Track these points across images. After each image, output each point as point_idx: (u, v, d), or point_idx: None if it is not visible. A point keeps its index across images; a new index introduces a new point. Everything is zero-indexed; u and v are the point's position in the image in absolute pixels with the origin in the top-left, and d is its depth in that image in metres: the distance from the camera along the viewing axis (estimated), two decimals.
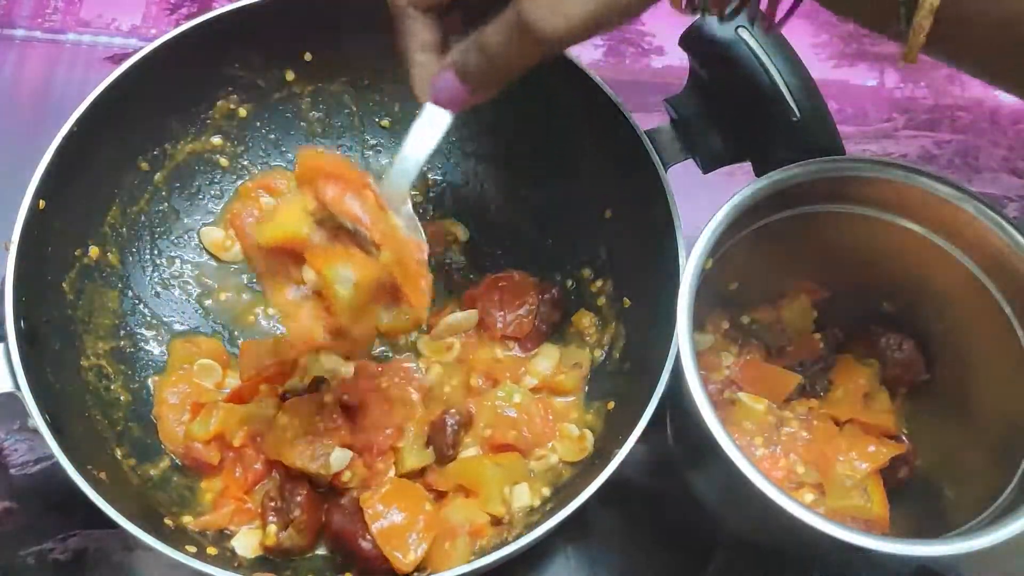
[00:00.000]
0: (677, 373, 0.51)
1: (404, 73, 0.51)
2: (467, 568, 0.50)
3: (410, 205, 0.52)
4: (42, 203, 0.56)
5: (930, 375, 0.61)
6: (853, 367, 0.62)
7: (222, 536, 0.57)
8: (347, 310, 0.49)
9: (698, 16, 0.46)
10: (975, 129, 0.80)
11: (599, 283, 0.66)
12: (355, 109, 0.70)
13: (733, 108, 0.58)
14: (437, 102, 0.50)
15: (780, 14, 0.48)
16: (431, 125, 0.51)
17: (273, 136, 0.70)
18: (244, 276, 0.68)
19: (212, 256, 0.68)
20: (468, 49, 0.48)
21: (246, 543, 0.57)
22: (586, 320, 0.65)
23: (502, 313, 0.64)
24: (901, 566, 0.61)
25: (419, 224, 0.52)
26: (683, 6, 0.46)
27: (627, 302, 0.63)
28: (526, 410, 0.60)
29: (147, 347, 0.64)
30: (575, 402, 0.63)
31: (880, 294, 0.61)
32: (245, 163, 0.70)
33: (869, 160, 0.54)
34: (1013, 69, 0.44)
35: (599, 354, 0.64)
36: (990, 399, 0.57)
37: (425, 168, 0.72)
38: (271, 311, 0.67)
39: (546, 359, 0.64)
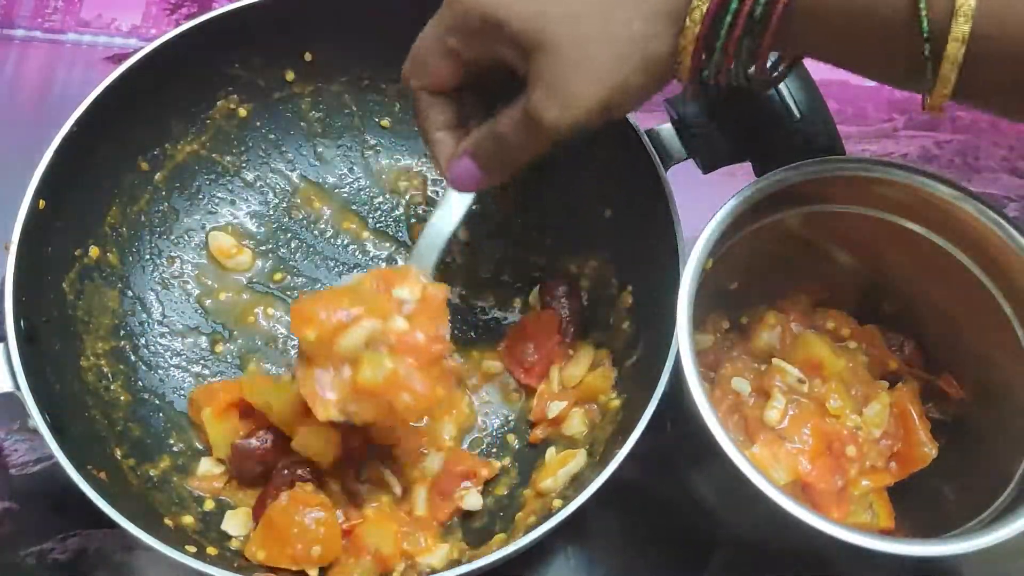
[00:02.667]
0: (677, 373, 0.51)
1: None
2: (467, 568, 0.50)
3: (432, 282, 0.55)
4: (42, 203, 0.56)
5: (931, 377, 0.61)
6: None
7: (222, 536, 0.57)
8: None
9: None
10: (975, 129, 0.80)
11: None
12: (355, 109, 0.70)
13: (733, 108, 0.58)
14: (455, 185, 0.53)
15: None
16: (451, 207, 0.55)
17: (273, 136, 0.70)
18: (244, 276, 0.68)
19: (215, 261, 0.68)
20: (483, 136, 0.51)
21: (236, 522, 0.57)
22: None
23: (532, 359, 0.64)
24: (901, 566, 0.61)
25: (444, 308, 0.54)
26: (689, 79, 0.46)
27: (628, 301, 0.63)
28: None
29: (147, 347, 0.64)
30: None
31: (880, 294, 0.61)
32: (245, 163, 0.70)
33: (869, 160, 0.54)
34: None
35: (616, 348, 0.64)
36: (990, 400, 0.57)
37: (424, 169, 0.72)
38: (271, 311, 0.67)
39: (576, 365, 0.63)
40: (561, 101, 0.45)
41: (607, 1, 0.44)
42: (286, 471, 0.56)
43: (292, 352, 0.66)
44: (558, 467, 0.58)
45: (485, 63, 0.49)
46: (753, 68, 0.45)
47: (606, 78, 0.45)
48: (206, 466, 0.60)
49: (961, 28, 0.40)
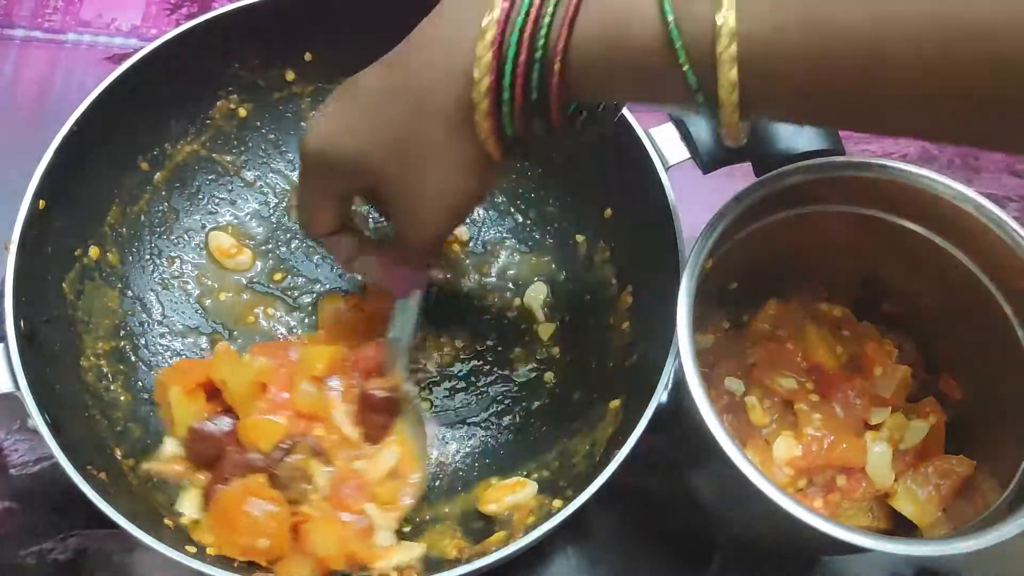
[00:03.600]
0: (677, 373, 0.51)
1: None
2: (467, 568, 0.50)
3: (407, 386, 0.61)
4: (42, 203, 0.56)
5: (932, 376, 0.61)
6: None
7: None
8: None
9: None
10: None
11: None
12: None
13: None
14: (396, 293, 0.60)
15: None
16: (407, 309, 0.60)
17: (273, 136, 0.70)
18: (244, 276, 0.68)
19: (215, 261, 0.68)
20: (380, 266, 0.57)
21: (190, 503, 0.57)
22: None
23: None
24: (901, 566, 0.61)
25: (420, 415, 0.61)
26: (496, 149, 0.46)
27: (628, 301, 0.63)
28: None
29: (147, 347, 0.64)
30: None
31: (880, 294, 0.61)
32: (245, 163, 0.70)
33: (869, 160, 0.54)
34: (825, 110, 0.41)
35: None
36: (990, 400, 0.57)
37: None
38: (271, 311, 0.67)
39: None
40: (415, 227, 0.50)
41: (409, 133, 0.45)
42: (238, 455, 0.57)
43: None
44: (505, 493, 0.59)
45: (355, 192, 0.54)
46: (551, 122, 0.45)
47: (440, 198, 0.48)
48: (169, 448, 0.59)
49: (726, 51, 0.37)
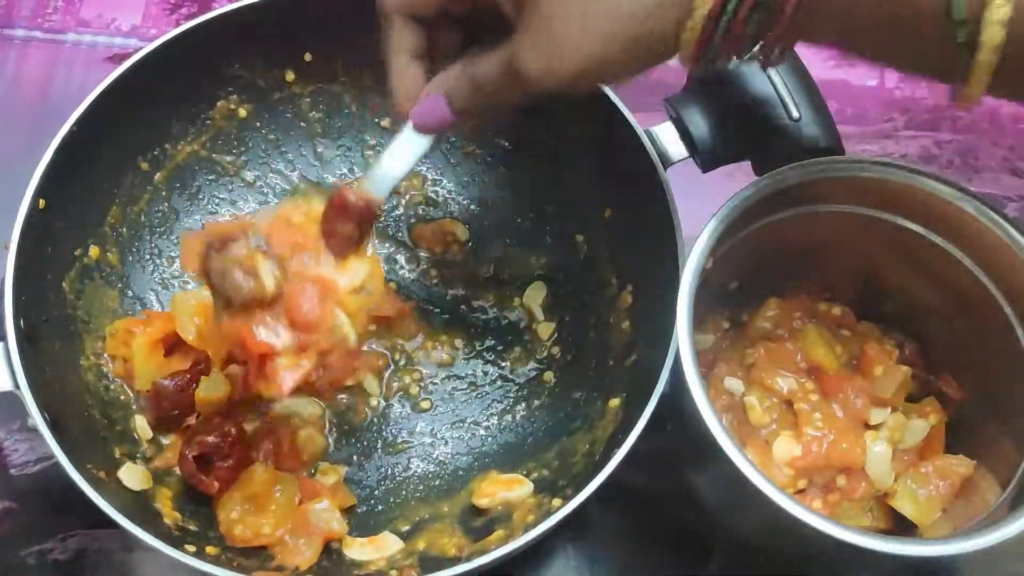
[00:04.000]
0: (677, 373, 0.51)
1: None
2: (467, 567, 0.50)
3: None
4: (42, 203, 0.56)
5: (931, 377, 0.61)
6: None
7: (222, 536, 0.57)
8: None
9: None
10: (975, 129, 0.80)
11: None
12: (355, 109, 0.70)
13: (733, 108, 0.58)
14: (419, 121, 0.50)
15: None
16: (412, 143, 0.51)
17: (273, 136, 0.70)
18: None
19: None
20: (459, 78, 0.47)
21: (131, 476, 0.57)
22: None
23: None
24: (901, 566, 0.61)
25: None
26: (691, 62, 0.43)
27: (628, 301, 0.63)
28: None
29: None
30: None
31: (880, 294, 0.61)
32: (245, 163, 0.70)
33: (869, 160, 0.54)
34: None
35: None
36: (990, 400, 0.57)
37: (424, 169, 0.72)
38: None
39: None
40: (550, 58, 0.42)
41: None
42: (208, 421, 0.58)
43: None
44: (499, 488, 0.59)
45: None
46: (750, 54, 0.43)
47: (602, 44, 0.42)
48: (142, 423, 0.60)
49: (999, 10, 0.36)
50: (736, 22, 0.40)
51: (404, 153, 0.52)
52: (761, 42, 0.42)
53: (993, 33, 0.37)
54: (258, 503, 0.57)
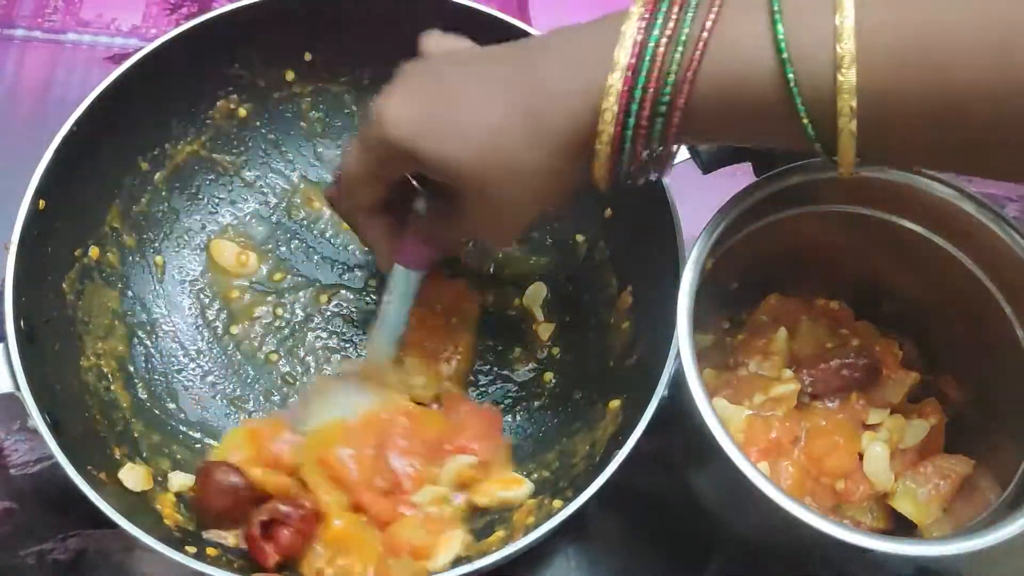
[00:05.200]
0: (677, 373, 0.51)
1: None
2: (467, 568, 0.50)
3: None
4: (42, 203, 0.56)
5: (931, 377, 0.61)
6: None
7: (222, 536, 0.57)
8: None
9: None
10: None
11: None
12: (355, 109, 0.70)
13: None
14: (408, 265, 0.57)
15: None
16: (406, 284, 0.58)
17: (273, 136, 0.70)
18: (245, 278, 0.68)
19: (215, 262, 0.68)
20: (429, 233, 0.55)
21: (131, 477, 0.57)
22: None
23: None
24: (901, 566, 0.61)
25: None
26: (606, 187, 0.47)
27: (628, 301, 0.63)
28: None
29: (146, 346, 0.64)
30: None
31: (880, 294, 0.61)
32: (245, 163, 0.70)
33: None
34: (939, 159, 0.44)
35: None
36: (990, 400, 0.57)
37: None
38: (271, 311, 0.67)
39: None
40: (492, 230, 0.52)
41: (509, 135, 0.45)
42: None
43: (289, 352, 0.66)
44: (498, 487, 0.59)
45: (412, 176, 0.54)
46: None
47: (527, 208, 0.49)
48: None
49: (847, 103, 0.39)
50: (639, 135, 0.44)
51: (399, 302, 0.58)
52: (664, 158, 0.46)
53: (845, 123, 0.40)
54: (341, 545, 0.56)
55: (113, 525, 0.49)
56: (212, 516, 0.56)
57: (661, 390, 0.53)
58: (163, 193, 0.67)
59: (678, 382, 0.51)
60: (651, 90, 0.42)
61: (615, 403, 0.59)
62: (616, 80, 0.42)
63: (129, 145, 0.64)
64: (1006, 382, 0.56)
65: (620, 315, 0.63)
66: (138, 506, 0.56)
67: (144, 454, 0.60)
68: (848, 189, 0.55)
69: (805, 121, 0.40)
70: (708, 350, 0.62)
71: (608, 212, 0.65)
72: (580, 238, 0.67)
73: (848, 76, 0.38)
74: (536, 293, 0.68)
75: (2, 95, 0.79)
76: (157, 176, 0.66)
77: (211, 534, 0.56)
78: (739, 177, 0.56)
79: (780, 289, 0.62)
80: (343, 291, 0.68)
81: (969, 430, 0.58)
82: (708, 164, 0.60)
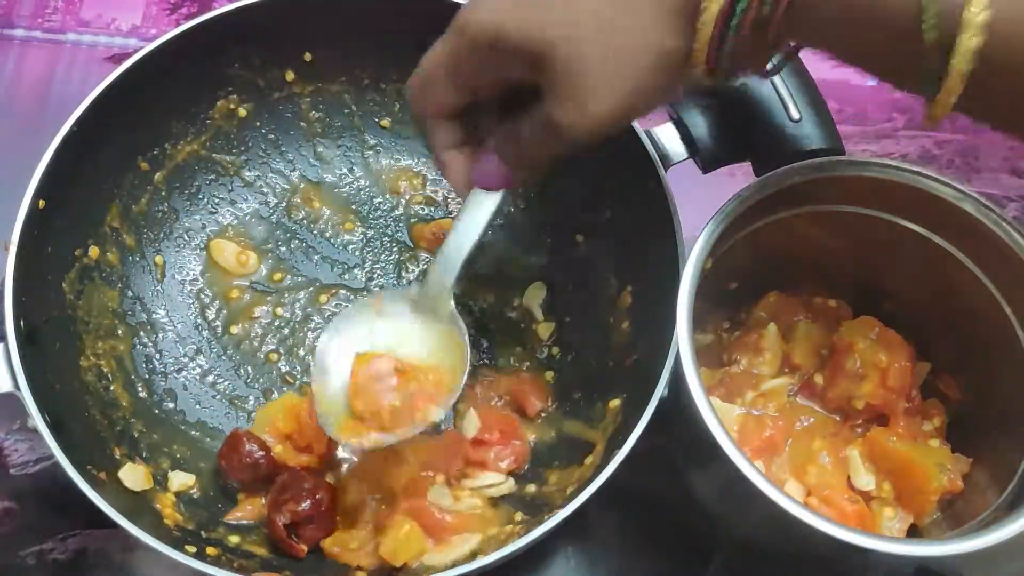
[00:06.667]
0: (677, 373, 0.51)
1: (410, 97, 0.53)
2: (467, 568, 0.50)
3: (452, 304, 0.57)
4: (42, 203, 0.56)
5: (931, 377, 0.61)
6: None
7: (222, 536, 0.57)
8: None
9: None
10: (975, 129, 0.80)
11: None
12: (355, 109, 0.70)
13: (733, 108, 0.58)
14: (483, 185, 0.53)
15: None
16: (478, 210, 0.53)
17: (273, 136, 0.70)
18: (245, 278, 0.68)
19: (214, 262, 0.68)
20: (505, 140, 0.51)
21: (131, 477, 0.57)
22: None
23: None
24: (901, 566, 0.61)
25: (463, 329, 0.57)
26: (707, 77, 0.44)
27: (628, 301, 0.63)
28: None
29: (146, 346, 0.64)
30: None
31: (880, 294, 0.61)
32: (245, 163, 0.70)
33: (869, 160, 0.54)
34: None
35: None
36: (990, 400, 0.57)
37: (424, 169, 0.72)
38: (270, 310, 0.67)
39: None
40: (578, 111, 0.46)
41: (613, 8, 0.43)
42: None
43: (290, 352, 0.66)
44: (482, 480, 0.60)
45: (493, 85, 0.49)
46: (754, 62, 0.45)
47: (619, 86, 0.45)
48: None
49: (968, 42, 0.37)
50: (744, 24, 0.42)
51: (471, 225, 0.54)
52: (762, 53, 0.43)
53: (961, 62, 0.38)
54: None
55: (113, 525, 0.49)
56: (235, 482, 0.60)
57: (661, 390, 0.53)
58: (163, 193, 0.67)
59: (678, 382, 0.51)
60: None
61: (615, 403, 0.59)
62: None
63: (129, 145, 0.64)
64: (1006, 382, 0.56)
65: (620, 315, 0.63)
66: (138, 506, 0.56)
67: (144, 454, 0.60)
68: (848, 189, 0.56)
69: (929, 39, 0.38)
70: (705, 349, 0.62)
71: (608, 212, 0.65)
72: (580, 238, 0.67)
73: (977, 15, 0.37)
74: (536, 293, 0.68)
75: (2, 95, 0.79)
76: (157, 176, 0.66)
77: (231, 516, 0.59)
78: (739, 177, 0.56)
79: (780, 289, 0.62)
80: (343, 291, 0.68)
81: (969, 430, 0.58)
82: (708, 164, 0.60)
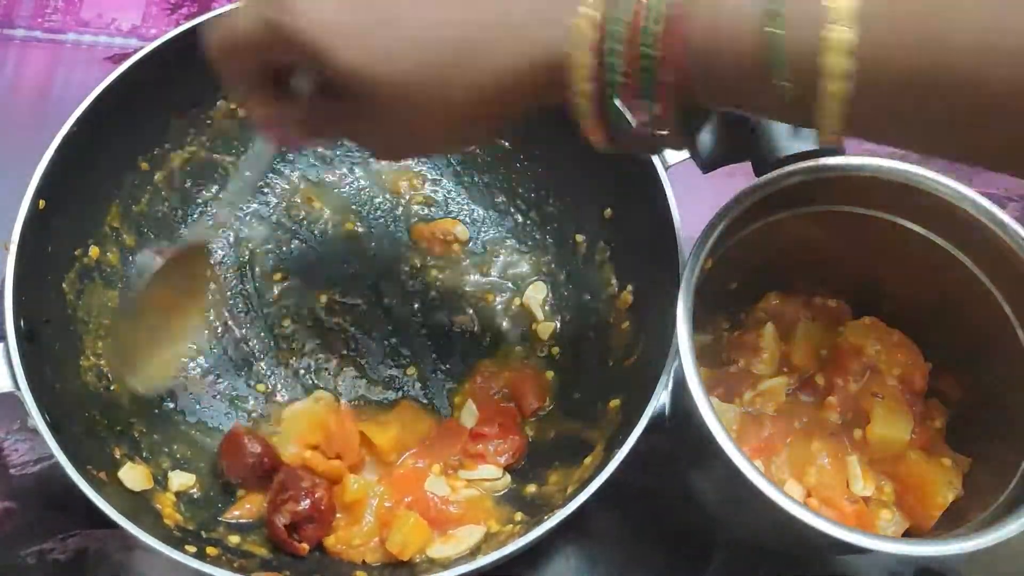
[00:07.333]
0: (677, 373, 0.51)
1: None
2: (467, 568, 0.50)
3: None
4: (42, 203, 0.56)
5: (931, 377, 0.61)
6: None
7: (222, 536, 0.57)
8: None
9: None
10: None
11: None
12: None
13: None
14: (272, 142, 0.51)
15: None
16: (264, 156, 0.53)
17: None
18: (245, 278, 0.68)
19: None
20: (310, 117, 0.46)
21: (131, 477, 0.57)
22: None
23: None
24: (901, 566, 0.61)
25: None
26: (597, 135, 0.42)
27: (628, 301, 0.63)
28: None
29: None
30: None
31: (880, 294, 0.61)
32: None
33: (869, 160, 0.54)
34: (951, 136, 0.38)
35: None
36: (990, 400, 0.57)
37: (424, 169, 0.72)
38: (275, 311, 0.67)
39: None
40: (380, 149, 0.46)
41: (456, 59, 0.40)
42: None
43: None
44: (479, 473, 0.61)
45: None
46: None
47: (433, 142, 0.44)
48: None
49: (831, 63, 0.35)
50: (622, 83, 0.39)
51: (259, 161, 0.54)
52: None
53: (834, 86, 0.36)
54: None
55: (113, 525, 0.49)
56: (235, 479, 0.60)
57: (661, 390, 0.53)
58: (163, 193, 0.67)
59: (678, 382, 0.51)
60: (631, 40, 0.37)
61: (615, 403, 0.59)
62: (586, 26, 0.37)
63: (129, 145, 0.64)
64: (1006, 382, 0.56)
65: (620, 315, 0.63)
66: (138, 506, 0.56)
67: (144, 454, 0.60)
68: (848, 189, 0.55)
69: (784, 83, 0.36)
70: (705, 349, 0.62)
71: (608, 212, 0.65)
72: (580, 238, 0.67)
73: (835, 33, 0.35)
74: (536, 293, 0.68)
75: (2, 95, 0.79)
76: (157, 176, 0.66)
77: (229, 515, 0.59)
78: (739, 177, 0.55)
79: (780, 289, 0.62)
80: (342, 291, 0.68)
81: (969, 430, 0.58)
82: (708, 164, 0.60)
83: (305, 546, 0.57)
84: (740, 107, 0.41)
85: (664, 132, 0.41)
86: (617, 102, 0.39)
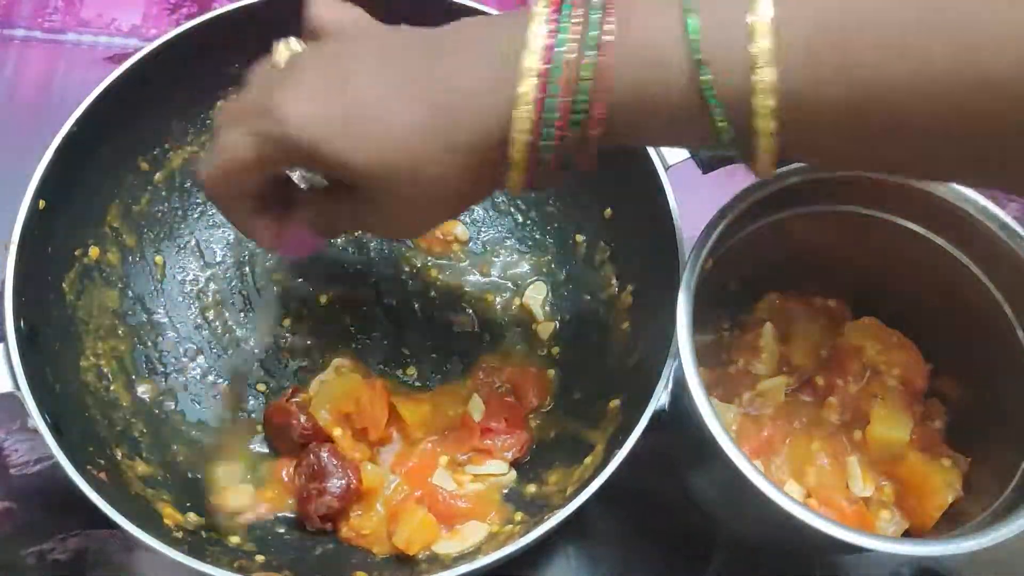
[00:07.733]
0: (677, 373, 0.51)
1: None
2: (467, 568, 0.50)
3: None
4: (42, 203, 0.56)
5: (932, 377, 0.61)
6: None
7: (221, 535, 0.57)
8: None
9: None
10: None
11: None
12: None
13: None
14: (293, 254, 0.57)
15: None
16: None
17: None
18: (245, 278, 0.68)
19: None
20: (318, 215, 0.49)
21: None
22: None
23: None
24: (901, 566, 0.61)
25: None
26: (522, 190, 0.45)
27: (628, 301, 0.63)
28: None
29: (147, 346, 0.64)
30: None
31: (880, 294, 0.61)
32: None
33: None
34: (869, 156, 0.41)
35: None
36: (990, 400, 0.57)
37: None
38: (275, 310, 0.67)
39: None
40: (385, 229, 0.51)
41: (427, 148, 0.42)
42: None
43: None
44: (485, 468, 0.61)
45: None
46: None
47: (434, 213, 0.47)
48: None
49: (761, 104, 0.37)
50: (555, 140, 0.41)
51: None
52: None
53: (764, 125, 0.38)
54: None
55: (113, 525, 0.49)
56: (275, 439, 0.62)
57: (661, 390, 0.53)
58: (163, 193, 0.67)
59: (678, 382, 0.51)
60: (566, 98, 0.40)
61: (615, 403, 0.59)
62: (529, 88, 0.40)
63: (129, 145, 0.64)
64: (1006, 382, 0.56)
65: (620, 315, 0.63)
66: (138, 506, 0.56)
67: (144, 454, 0.60)
68: (847, 189, 0.55)
69: (720, 123, 0.39)
70: (705, 349, 0.62)
71: (608, 212, 0.65)
72: (580, 238, 0.67)
73: (763, 75, 0.37)
74: (536, 293, 0.68)
75: (2, 95, 0.79)
76: (157, 176, 0.66)
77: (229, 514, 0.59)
78: (739, 177, 0.55)
79: (780, 289, 0.62)
80: (342, 291, 0.68)
81: (969, 430, 0.58)
82: (708, 164, 0.60)
83: (329, 527, 0.59)
84: (677, 144, 0.47)
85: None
86: (544, 155, 0.42)
